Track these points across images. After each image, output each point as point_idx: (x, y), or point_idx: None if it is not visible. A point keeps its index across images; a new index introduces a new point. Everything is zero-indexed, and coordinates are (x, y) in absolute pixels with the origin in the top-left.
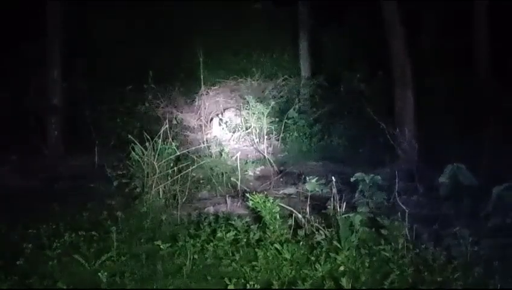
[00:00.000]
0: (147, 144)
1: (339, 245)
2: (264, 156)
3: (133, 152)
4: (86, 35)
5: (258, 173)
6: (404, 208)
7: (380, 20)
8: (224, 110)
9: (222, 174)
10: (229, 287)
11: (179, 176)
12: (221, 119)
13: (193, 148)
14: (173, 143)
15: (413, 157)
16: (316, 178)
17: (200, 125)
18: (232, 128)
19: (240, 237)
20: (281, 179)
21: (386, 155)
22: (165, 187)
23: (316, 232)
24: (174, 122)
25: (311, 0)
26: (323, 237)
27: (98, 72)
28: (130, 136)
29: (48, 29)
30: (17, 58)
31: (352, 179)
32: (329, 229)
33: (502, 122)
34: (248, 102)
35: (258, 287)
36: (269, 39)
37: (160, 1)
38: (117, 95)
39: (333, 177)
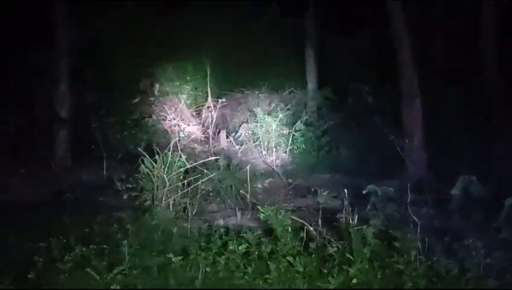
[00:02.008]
0: (156, 156)
1: (351, 257)
2: (273, 169)
3: (142, 165)
4: (94, 48)
5: (266, 185)
6: (416, 220)
7: (387, 31)
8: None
9: (231, 186)
10: None
11: (189, 189)
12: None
13: (202, 161)
14: (183, 156)
15: (422, 169)
16: (328, 191)
17: (207, 138)
18: (239, 140)
19: (251, 249)
20: (290, 192)
21: (395, 167)
22: (175, 200)
23: (328, 245)
24: (182, 134)
25: (318, 13)
26: (336, 249)
27: (105, 85)
28: (139, 148)
29: (56, 43)
30: (26, 71)
31: (364, 192)
32: (341, 242)
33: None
34: (256, 114)
35: None
36: (276, 51)
37: (168, 14)
38: (124, 107)
39: (345, 190)
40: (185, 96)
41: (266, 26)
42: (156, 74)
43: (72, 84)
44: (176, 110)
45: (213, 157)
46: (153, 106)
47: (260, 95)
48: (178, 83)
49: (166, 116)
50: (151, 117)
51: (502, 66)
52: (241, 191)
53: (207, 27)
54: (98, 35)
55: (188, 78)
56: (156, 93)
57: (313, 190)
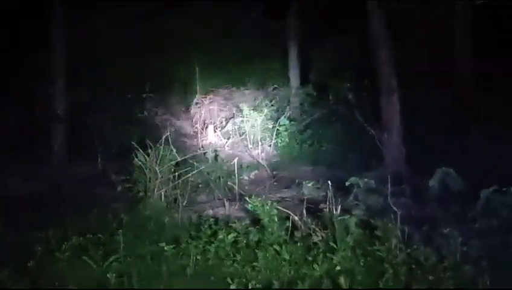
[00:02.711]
0: (149, 150)
1: (335, 246)
2: (258, 161)
3: (136, 158)
4: (89, 47)
5: (252, 177)
6: (396, 210)
7: (366, 32)
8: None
9: (219, 178)
10: (231, 287)
11: (180, 180)
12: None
13: (191, 154)
14: (174, 150)
15: (400, 162)
16: (312, 182)
17: (196, 132)
18: (226, 134)
19: (240, 238)
20: (275, 183)
21: (374, 160)
22: (166, 191)
23: (313, 234)
24: (172, 129)
25: (300, 14)
26: (320, 238)
27: (99, 82)
28: (132, 143)
29: (52, 44)
30: (25, 71)
31: (347, 183)
32: (325, 231)
33: (485, 128)
34: (241, 110)
35: (260, 286)
36: (260, 50)
37: (158, 16)
38: (117, 104)
39: (329, 182)
40: (175, 92)
41: (251, 27)
42: (147, 72)
43: (68, 83)
44: (166, 106)
45: (202, 151)
46: (144, 101)
47: (245, 91)
48: (168, 81)
49: (157, 112)
50: (143, 113)
51: (474, 65)
52: (228, 182)
53: (195, 28)
54: (93, 35)
55: (178, 76)
56: (146, 89)
57: (297, 181)
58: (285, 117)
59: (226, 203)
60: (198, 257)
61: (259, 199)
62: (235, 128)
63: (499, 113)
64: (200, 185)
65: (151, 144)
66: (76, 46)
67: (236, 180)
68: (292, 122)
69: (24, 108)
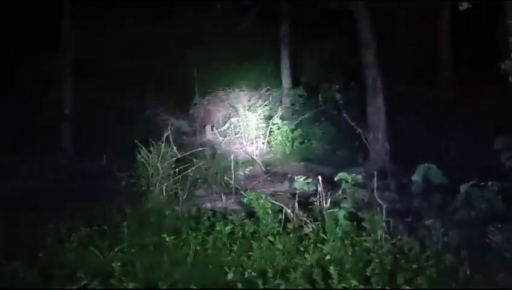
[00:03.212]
0: (151, 148)
1: (325, 237)
2: (253, 158)
3: (139, 155)
4: (94, 50)
5: (247, 172)
6: (381, 203)
7: (354, 35)
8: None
9: (216, 174)
10: (228, 275)
11: (180, 176)
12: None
13: (191, 151)
14: (174, 147)
15: (385, 158)
16: (304, 177)
17: (195, 131)
18: (223, 133)
19: (236, 230)
20: (268, 178)
21: (361, 156)
22: (167, 186)
23: (304, 225)
24: (172, 128)
25: (291, 20)
26: (311, 229)
27: (104, 83)
28: (136, 141)
29: (61, 47)
30: (34, 72)
31: (336, 178)
32: (316, 223)
33: (465, 126)
34: (237, 110)
35: (255, 274)
36: (254, 54)
37: (160, 22)
38: (122, 104)
39: (319, 177)
40: (175, 93)
41: (246, 32)
42: (149, 74)
43: (75, 84)
44: (167, 106)
45: (200, 148)
46: (147, 102)
47: (241, 92)
48: (169, 83)
49: (159, 112)
50: (146, 112)
51: (454, 65)
52: (225, 177)
53: (195, 33)
54: (99, 38)
55: (178, 78)
56: (149, 91)
57: (288, 176)
58: (277, 117)
59: (223, 197)
60: (198, 247)
61: (254, 193)
62: (231, 127)
63: (478, 111)
64: (198, 180)
65: (153, 141)
66: (83, 49)
67: (233, 176)
68: (284, 121)
69: (34, 107)
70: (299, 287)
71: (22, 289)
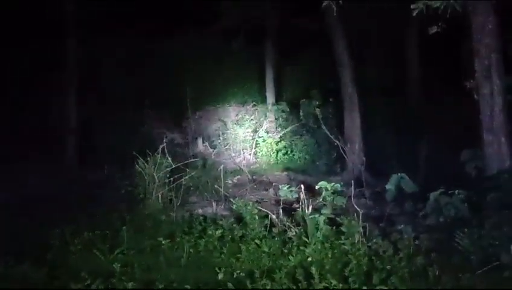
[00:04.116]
0: (148, 158)
1: (306, 240)
2: (240, 168)
3: (136, 165)
4: (97, 68)
5: (235, 181)
6: (358, 209)
7: (331, 56)
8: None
9: (207, 182)
10: (219, 275)
11: (174, 184)
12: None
13: (184, 162)
14: (169, 158)
15: (361, 168)
16: (287, 186)
17: (187, 143)
18: (213, 145)
19: (226, 234)
20: (255, 186)
21: (339, 166)
22: (162, 194)
23: (288, 230)
24: (167, 140)
25: (275, 41)
26: (294, 233)
27: (106, 98)
28: (134, 152)
29: (67, 64)
30: (44, 89)
31: (316, 187)
32: (298, 227)
33: (434, 138)
34: (226, 124)
35: (243, 275)
36: (241, 73)
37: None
38: (122, 118)
39: (302, 185)
40: (169, 109)
41: (234, 53)
42: (146, 90)
43: (79, 99)
44: (162, 120)
45: (192, 159)
46: (144, 116)
47: (229, 108)
48: (164, 99)
49: (155, 126)
50: (143, 126)
51: (424, 85)
52: (215, 186)
53: (187, 54)
54: (99, 58)
55: (172, 95)
56: (146, 106)
57: (273, 184)
58: (263, 130)
59: (214, 204)
60: (191, 250)
61: (242, 200)
62: (221, 140)
63: (447, 123)
64: (191, 188)
65: (149, 153)
66: (87, 67)
67: (222, 184)
68: (269, 134)
69: (41, 120)
70: (284, 287)
71: (31, 289)
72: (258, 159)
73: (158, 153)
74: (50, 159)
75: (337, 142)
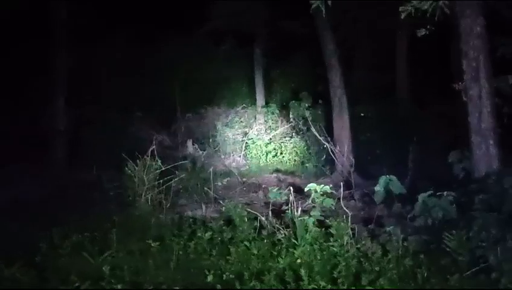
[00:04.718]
0: (137, 160)
1: (296, 242)
2: (230, 170)
3: (126, 167)
4: (86, 71)
5: (225, 183)
6: (347, 211)
7: (321, 58)
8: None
9: (197, 184)
10: (208, 277)
11: (163, 186)
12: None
13: (174, 164)
14: (159, 160)
15: (350, 170)
16: (277, 188)
17: (177, 145)
18: (202, 147)
19: (215, 236)
20: (244, 189)
21: (328, 168)
22: (152, 196)
23: (277, 232)
24: (157, 142)
25: (265, 44)
26: (283, 235)
27: (95, 101)
28: (123, 154)
29: (56, 68)
30: (32, 90)
31: (306, 189)
32: (288, 229)
33: (423, 140)
34: (215, 126)
35: (232, 277)
36: (231, 75)
37: (145, 45)
38: (111, 120)
39: (291, 187)
40: (159, 111)
41: (223, 56)
42: (136, 93)
43: (68, 102)
44: (152, 123)
45: (182, 161)
46: (134, 119)
47: (219, 110)
48: (154, 101)
49: (144, 128)
50: (133, 128)
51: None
52: (205, 188)
53: (177, 57)
54: (88, 61)
55: (162, 97)
56: (136, 109)
57: (263, 186)
58: (252, 132)
59: (203, 206)
60: (180, 252)
61: (231, 202)
62: (210, 141)
63: (434, 127)
64: (180, 191)
65: (139, 155)
66: (75, 69)
67: (212, 186)
68: (258, 136)
69: (30, 123)
70: (273, 288)
71: None
72: (248, 161)
73: (148, 156)
74: (39, 161)
75: (327, 144)
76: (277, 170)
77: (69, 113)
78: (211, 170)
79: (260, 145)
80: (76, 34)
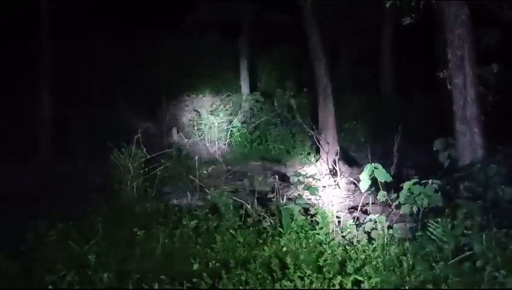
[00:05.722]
0: (123, 149)
1: (281, 230)
2: (215, 158)
3: (111, 156)
4: (70, 60)
5: (210, 171)
6: (333, 199)
7: (306, 48)
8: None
9: (182, 172)
10: (194, 266)
11: (149, 175)
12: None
13: (159, 152)
14: (144, 149)
15: (335, 158)
16: (262, 176)
17: (162, 133)
18: (187, 135)
19: (201, 224)
20: (229, 176)
21: (313, 156)
22: (137, 184)
23: (263, 220)
24: (142, 131)
25: (249, 33)
26: (269, 223)
27: (80, 91)
28: (109, 143)
29: (41, 60)
30: (17, 83)
31: (291, 177)
32: (273, 217)
33: (408, 128)
34: (200, 114)
35: (218, 265)
36: (216, 64)
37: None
38: (96, 110)
39: (276, 176)
40: (144, 99)
41: (208, 44)
42: (121, 83)
43: (53, 92)
44: (137, 111)
45: (167, 150)
46: (119, 107)
47: (204, 98)
48: (139, 90)
49: (130, 117)
50: (119, 117)
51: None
52: (190, 176)
53: (162, 46)
54: (75, 51)
55: (147, 85)
56: (121, 98)
57: (248, 174)
58: (237, 120)
59: (189, 194)
60: (166, 240)
61: (217, 190)
62: (195, 130)
63: (419, 115)
64: (166, 179)
65: (124, 144)
66: (60, 60)
67: (197, 174)
68: (243, 124)
69: (14, 115)
70: (259, 277)
71: (6, 281)
72: (233, 149)
73: (133, 144)
74: (23, 153)
75: (312, 132)
76: (262, 158)
77: (53, 104)
78: (196, 158)
79: (245, 133)
80: (60, 25)
